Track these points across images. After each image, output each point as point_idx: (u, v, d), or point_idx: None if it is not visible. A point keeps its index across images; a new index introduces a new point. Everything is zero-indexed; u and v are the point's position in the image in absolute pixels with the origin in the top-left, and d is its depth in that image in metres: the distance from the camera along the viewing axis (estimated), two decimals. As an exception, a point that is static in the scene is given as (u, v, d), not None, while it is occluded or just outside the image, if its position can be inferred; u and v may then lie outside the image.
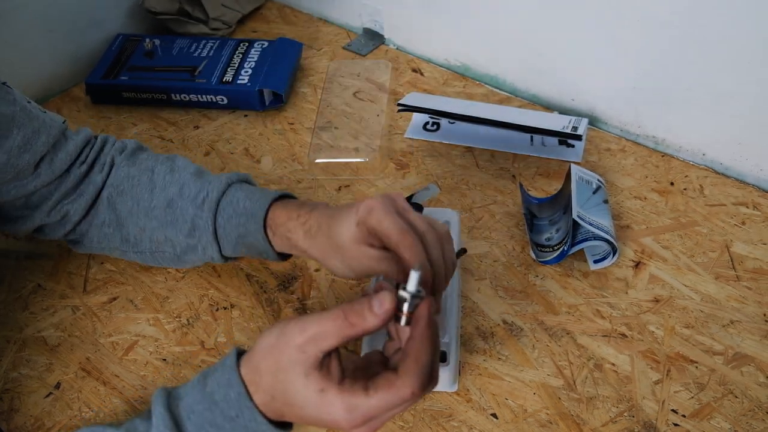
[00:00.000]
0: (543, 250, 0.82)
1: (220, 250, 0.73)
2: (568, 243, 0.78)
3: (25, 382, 0.73)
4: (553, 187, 0.91)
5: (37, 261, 0.85)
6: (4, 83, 0.69)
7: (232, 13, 1.21)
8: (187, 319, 0.78)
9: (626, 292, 0.79)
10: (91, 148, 0.76)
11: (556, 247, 0.80)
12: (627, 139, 0.99)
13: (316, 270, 0.83)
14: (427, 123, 1.01)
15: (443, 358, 0.70)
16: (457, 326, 0.74)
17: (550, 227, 0.84)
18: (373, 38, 1.19)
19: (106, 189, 0.75)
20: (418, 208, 0.82)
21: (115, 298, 0.81)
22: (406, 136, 1.00)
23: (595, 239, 0.78)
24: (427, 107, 0.95)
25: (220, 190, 0.72)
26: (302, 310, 0.79)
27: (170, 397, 0.55)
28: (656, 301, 0.77)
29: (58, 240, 0.78)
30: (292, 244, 0.68)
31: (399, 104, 0.95)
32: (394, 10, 1.14)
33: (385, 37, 1.19)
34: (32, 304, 0.81)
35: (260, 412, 0.53)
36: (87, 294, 0.82)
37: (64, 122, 0.74)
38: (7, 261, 0.85)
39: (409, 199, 0.83)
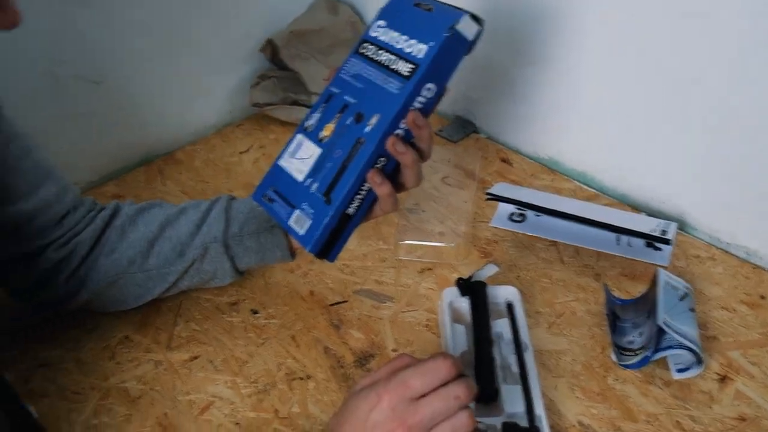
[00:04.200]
0: (625, 353, 0.80)
1: (227, 228, 0.80)
2: (652, 349, 0.77)
3: (104, 431, 0.75)
4: (638, 289, 0.90)
5: (127, 313, 0.88)
6: (37, 146, 0.76)
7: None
8: (264, 386, 0.79)
9: (710, 407, 0.76)
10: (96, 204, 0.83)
11: (638, 352, 0.79)
12: (717, 248, 0.97)
13: (394, 350, 0.83)
14: (513, 213, 1.02)
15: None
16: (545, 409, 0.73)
17: (633, 330, 0.83)
18: (465, 126, 1.22)
19: (117, 220, 0.81)
20: (481, 285, 0.84)
21: (196, 357, 0.83)
22: (491, 224, 1.01)
23: (679, 348, 0.77)
24: (514, 198, 0.96)
25: (232, 196, 0.84)
26: (376, 389, 0.79)
27: None
28: (741, 419, 0.75)
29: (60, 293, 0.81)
30: None
31: (487, 193, 0.97)
32: (487, 100, 1.17)
33: (477, 125, 1.21)
34: (118, 355, 0.83)
35: None
36: (170, 350, 0.84)
37: (78, 189, 0.82)
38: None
39: (470, 278, 0.86)
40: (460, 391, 0.60)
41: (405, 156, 0.69)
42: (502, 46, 1.10)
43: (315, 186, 0.71)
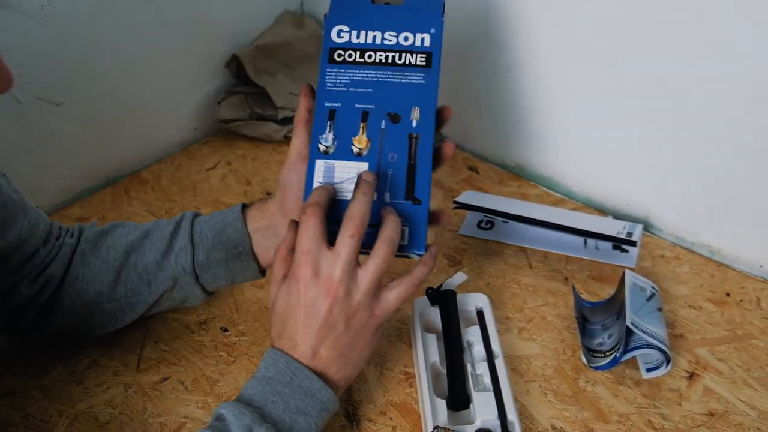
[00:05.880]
0: (594, 355, 0.81)
1: (194, 257, 0.77)
2: (621, 349, 0.77)
3: (74, 458, 0.74)
4: (606, 291, 0.91)
5: (94, 337, 0.87)
6: (3, 174, 0.73)
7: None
8: (236, 404, 0.79)
9: (679, 404, 0.77)
10: (62, 229, 0.82)
11: (608, 353, 0.80)
12: (682, 247, 0.98)
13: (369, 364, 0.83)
14: (482, 221, 1.03)
15: None
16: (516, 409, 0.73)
17: (603, 332, 0.83)
18: (432, 136, 1.22)
19: (79, 246, 0.79)
20: (451, 294, 0.85)
21: (166, 378, 0.82)
22: (459, 233, 1.02)
23: (648, 347, 0.77)
24: (482, 206, 0.97)
25: (195, 213, 0.81)
26: (348, 401, 0.79)
27: (235, 401, 0.62)
28: (711, 415, 0.76)
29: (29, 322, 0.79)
30: (266, 206, 0.77)
31: (455, 202, 0.97)
32: (453, 110, 1.17)
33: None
34: (86, 380, 0.82)
35: (308, 368, 0.63)
36: (140, 372, 0.83)
37: (47, 217, 0.80)
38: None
39: (439, 287, 0.86)
40: (348, 230, 0.62)
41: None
42: (467, 55, 1.11)
43: (388, 195, 0.68)
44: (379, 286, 0.65)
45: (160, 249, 0.78)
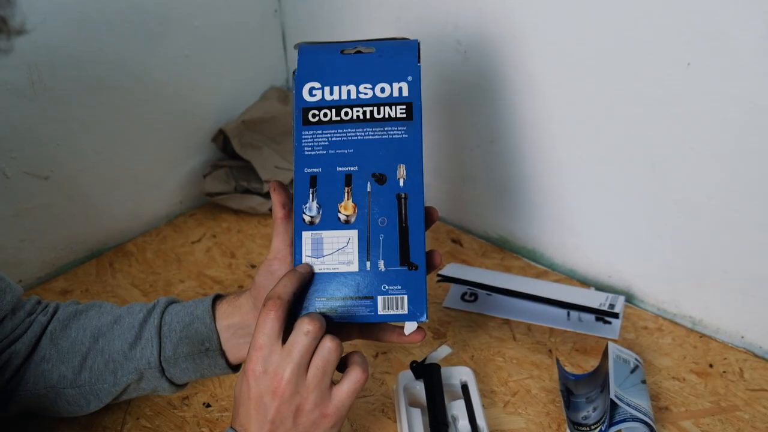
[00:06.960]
0: (580, 429, 0.80)
1: (160, 351, 0.74)
2: (606, 423, 0.77)
3: None
4: (590, 363, 0.91)
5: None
6: None
7: (284, 173, 1.26)
8: (217, 482, 0.78)
9: (666, 479, 0.76)
10: (39, 304, 0.80)
11: (593, 427, 0.79)
12: (664, 318, 0.99)
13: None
14: (465, 293, 1.03)
15: None
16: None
17: (587, 405, 0.83)
18: (415, 208, 1.24)
19: (50, 325, 0.77)
20: (435, 367, 0.85)
21: (147, 456, 0.81)
22: (444, 305, 1.02)
23: (633, 420, 0.77)
24: (465, 279, 0.98)
25: (170, 300, 0.78)
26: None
27: None
28: (698, 490, 0.75)
29: None
30: (239, 301, 0.75)
31: (439, 275, 0.98)
32: (436, 183, 1.20)
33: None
34: (65, 458, 0.81)
35: None
36: (120, 450, 0.82)
37: (20, 290, 0.78)
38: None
39: (423, 360, 0.86)
40: (304, 326, 0.62)
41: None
42: (449, 128, 1.13)
43: (382, 263, 0.66)
44: (328, 386, 0.63)
45: (129, 338, 0.75)
